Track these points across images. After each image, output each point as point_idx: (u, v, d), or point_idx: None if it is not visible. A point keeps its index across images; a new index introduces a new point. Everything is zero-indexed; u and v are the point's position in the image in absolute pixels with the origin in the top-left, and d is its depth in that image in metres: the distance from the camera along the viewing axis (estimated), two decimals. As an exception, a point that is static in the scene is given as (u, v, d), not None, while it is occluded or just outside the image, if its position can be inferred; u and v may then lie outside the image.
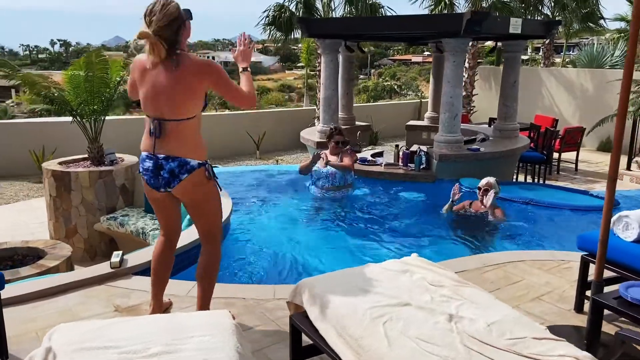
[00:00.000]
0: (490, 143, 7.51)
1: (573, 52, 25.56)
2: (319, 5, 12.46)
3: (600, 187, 9.12)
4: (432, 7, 14.40)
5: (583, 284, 3.22)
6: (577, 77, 13.53)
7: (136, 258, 3.90)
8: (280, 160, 11.63)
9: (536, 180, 8.66)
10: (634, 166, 9.86)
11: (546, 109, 13.62)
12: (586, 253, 3.23)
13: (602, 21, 15.53)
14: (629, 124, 9.71)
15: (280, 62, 74.13)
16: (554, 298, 3.45)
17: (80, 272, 3.73)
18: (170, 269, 3.19)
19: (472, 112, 14.54)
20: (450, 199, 5.48)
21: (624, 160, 11.36)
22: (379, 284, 2.49)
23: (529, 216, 5.64)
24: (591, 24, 15.25)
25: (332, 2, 12.37)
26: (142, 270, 3.82)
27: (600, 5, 14.55)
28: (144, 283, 3.61)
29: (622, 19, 19.93)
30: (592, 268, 3.22)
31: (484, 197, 5.28)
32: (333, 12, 12.35)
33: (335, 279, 2.60)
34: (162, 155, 2.76)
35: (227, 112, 17.63)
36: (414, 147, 7.38)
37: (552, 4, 14.60)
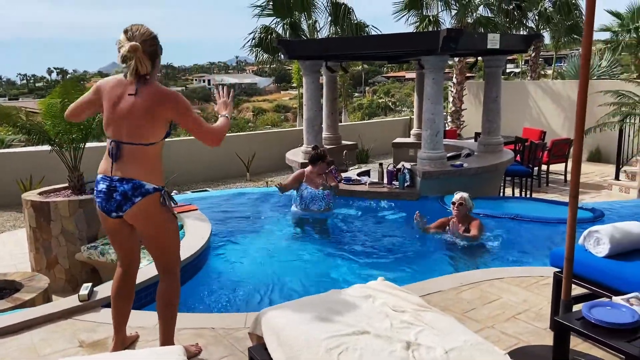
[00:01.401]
0: (475, 158, 7.48)
1: (563, 64, 25.72)
2: (304, 26, 12.54)
3: (590, 199, 9.08)
4: (418, 23, 14.53)
5: (557, 301, 3.15)
6: (564, 89, 13.60)
7: (107, 289, 3.81)
8: (270, 181, 11.58)
9: (522, 194, 8.62)
10: (622, 176, 9.84)
11: (534, 121, 13.65)
12: (558, 270, 3.17)
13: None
14: (615, 135, 9.72)
15: (275, 83, 74.60)
16: (530, 317, 3.38)
17: (47, 307, 3.65)
18: (131, 302, 3.09)
19: (462, 126, 14.56)
20: (418, 226, 5.46)
21: (612, 169, 11.38)
22: (339, 312, 2.43)
23: (511, 231, 5.57)
24: (576, 36, 15.36)
25: (318, 23, 12.48)
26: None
27: (584, 17, 14.63)
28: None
29: (607, 29, 20.13)
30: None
31: (459, 211, 5.23)
32: (318, 33, 12.44)
33: (295, 308, 2.53)
34: (117, 177, 2.70)
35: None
36: (398, 165, 7.36)
37: (537, 17, 14.72)
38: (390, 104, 42.81)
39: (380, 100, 42.55)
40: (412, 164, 7.11)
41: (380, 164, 7.26)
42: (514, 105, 13.56)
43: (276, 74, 76.50)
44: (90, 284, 3.82)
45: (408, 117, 15.85)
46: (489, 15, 14.41)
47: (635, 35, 19.76)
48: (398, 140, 9.29)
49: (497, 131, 7.93)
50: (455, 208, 5.26)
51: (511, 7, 14.25)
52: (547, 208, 6.41)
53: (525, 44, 7.67)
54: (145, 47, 2.62)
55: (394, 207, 6.52)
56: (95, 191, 2.81)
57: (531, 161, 8.57)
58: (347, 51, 6.97)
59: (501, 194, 8.28)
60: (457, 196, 5.28)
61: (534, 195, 8.88)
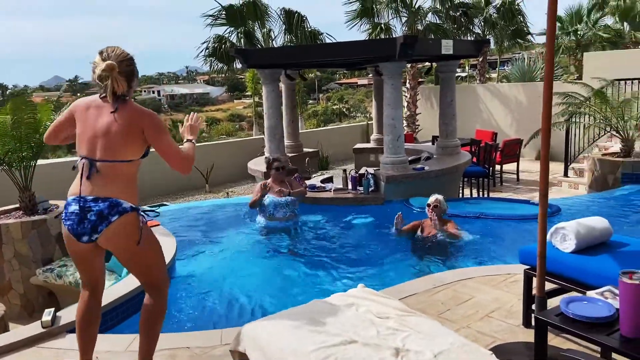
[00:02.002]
0: (435, 161, 7.63)
1: (507, 67, 26.69)
2: (259, 35, 12.50)
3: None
4: (370, 31, 14.75)
5: (528, 298, 3.24)
6: (511, 91, 14.08)
7: (70, 314, 3.65)
8: (231, 192, 11.44)
9: (480, 194, 8.85)
10: (570, 172, 10.25)
11: (485, 123, 14.05)
12: (528, 267, 3.25)
13: (530, 37, 16.28)
14: (562, 134, 10.11)
15: (228, 92, 73.98)
16: (503, 314, 3.45)
17: (8, 335, 3.46)
18: (98, 325, 2.97)
19: (417, 130, 14.83)
20: (394, 227, 5.51)
21: (561, 167, 11.85)
22: (323, 322, 2.41)
23: (477, 230, 5.68)
24: (520, 40, 15.95)
25: (272, 32, 12.45)
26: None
27: (527, 22, 15.27)
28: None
29: (545, 34, 21.05)
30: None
31: (434, 214, 5.31)
32: (273, 42, 12.42)
33: (278, 321, 2.50)
34: (91, 197, 2.59)
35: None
36: (362, 170, 7.41)
37: (482, 23, 15.21)
38: (344, 110, 43.28)
39: (334, 107, 42.94)
40: (375, 169, 7.17)
41: (344, 170, 7.30)
42: (465, 108, 13.92)
43: (229, 83, 75.93)
44: (52, 309, 3.64)
45: (365, 122, 16.02)
46: (438, 22, 14.78)
47: (574, 38, 20.78)
48: (359, 145, 9.38)
49: (453, 134, 8.12)
50: (430, 210, 5.34)
51: (458, 13, 14.67)
52: (508, 206, 6.58)
53: (476, 49, 7.91)
54: (121, 67, 2.62)
55: (360, 212, 6.55)
56: (64, 214, 2.68)
57: (487, 162, 8.81)
58: (307, 59, 6.98)
59: (460, 195, 8.46)
60: (432, 198, 5.37)
61: (491, 194, 9.13)
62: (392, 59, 6.48)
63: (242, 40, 12.07)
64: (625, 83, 9.24)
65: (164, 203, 10.43)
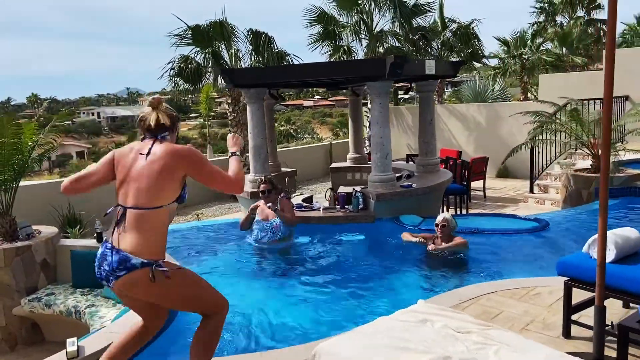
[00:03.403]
0: (416, 179, 7.75)
1: (457, 88, 27.76)
2: (225, 55, 12.39)
3: (512, 211, 9.75)
4: (331, 53, 14.96)
5: (569, 309, 3.32)
6: (469, 111, 14.61)
7: (93, 343, 3.42)
8: (200, 214, 11.15)
9: (458, 211, 9.05)
10: (535, 189, 10.69)
11: (446, 142, 14.48)
12: (567, 278, 3.34)
13: (484, 59, 17.03)
14: (520, 152, 10.52)
15: (171, 114, 72.44)
16: (539, 327, 3.51)
17: (32, 371, 3.18)
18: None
19: (364, 151, 15.07)
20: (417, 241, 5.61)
21: (521, 184, 12.36)
22: (406, 339, 2.36)
23: (476, 245, 5.77)
24: (475, 62, 16.64)
25: (240, 52, 12.38)
26: (102, 357, 3.35)
27: (481, 46, 15.97)
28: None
29: (495, 56, 22.13)
30: (575, 292, 3.35)
31: (442, 232, 5.38)
32: (240, 62, 12.35)
33: (355, 340, 2.43)
34: (111, 245, 2.53)
35: None
36: (345, 189, 7.42)
37: (440, 46, 15.78)
38: (291, 131, 43.56)
39: (282, 128, 43.08)
40: (362, 187, 7.20)
41: (331, 189, 7.29)
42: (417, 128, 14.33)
43: (172, 104, 74.53)
44: (75, 338, 3.40)
45: (329, 143, 16.12)
46: (397, 44, 15.20)
47: (519, 61, 21.91)
48: (335, 165, 9.40)
49: (433, 152, 8.30)
50: (439, 230, 5.41)
51: (417, 37, 15.15)
52: (497, 221, 6.76)
53: (454, 70, 8.17)
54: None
55: (353, 230, 6.54)
56: None
57: (464, 179, 9.05)
58: (297, 78, 6.97)
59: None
60: (440, 218, 5.45)
61: (464, 211, 9.36)
62: (381, 78, 6.58)
63: (210, 60, 11.92)
64: (588, 103, 9.77)
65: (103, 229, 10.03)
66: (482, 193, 11.28)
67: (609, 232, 3.28)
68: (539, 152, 10.46)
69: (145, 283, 2.48)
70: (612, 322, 2.97)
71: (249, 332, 4.07)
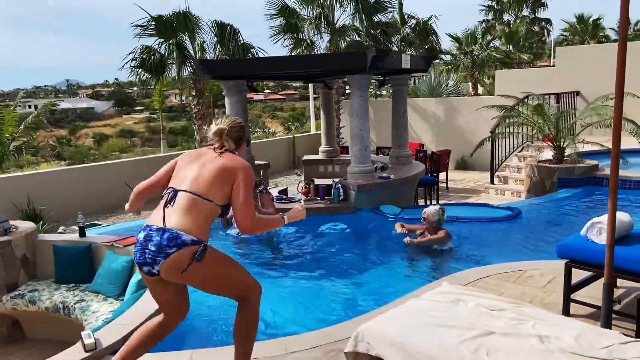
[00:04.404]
0: (392, 170, 7.94)
1: (414, 84, 28.40)
2: (189, 46, 12.18)
3: (473, 201, 10.14)
4: (292, 46, 14.98)
5: (569, 289, 3.55)
6: (428, 106, 15.02)
7: (107, 336, 3.36)
8: (166, 208, 10.93)
9: (428, 201, 9.33)
10: (496, 180, 11.14)
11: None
12: (568, 260, 3.57)
13: (442, 55, 17.51)
14: (486, 146, 10.94)
15: (115, 107, 70.18)
16: (539, 306, 3.71)
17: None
18: (146, 352, 2.82)
19: (341, 143, 15.25)
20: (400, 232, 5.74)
21: (480, 175, 12.86)
22: (444, 318, 2.49)
23: (456, 234, 6.01)
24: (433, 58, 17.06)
25: (206, 44, 12.19)
26: (119, 348, 3.30)
27: (439, 41, 16.41)
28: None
29: (447, 52, 22.79)
30: (575, 272, 3.59)
31: (427, 225, 5.57)
32: (206, 54, 12.16)
33: (397, 320, 2.53)
34: (156, 227, 2.49)
35: (101, 162, 16.20)
36: (323, 181, 7.52)
37: (399, 41, 16.09)
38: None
39: (233, 122, 42.63)
40: (342, 178, 7.32)
41: (312, 180, 7.36)
42: (386, 121, 14.61)
43: (115, 97, 72.08)
44: (90, 331, 3.33)
45: (291, 136, 16.14)
46: (358, 39, 15.39)
47: (470, 58, 22.65)
48: (308, 157, 9.46)
49: (406, 144, 8.52)
50: (426, 222, 5.61)
51: (378, 32, 15.39)
52: (473, 210, 7.05)
53: (426, 64, 8.40)
54: (231, 132, 2.75)
55: (336, 221, 6.64)
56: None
57: (435, 171, 9.33)
58: (278, 70, 6.98)
59: (415, 203, 8.85)
60: (424, 211, 5.64)
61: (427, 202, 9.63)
62: (362, 71, 6.70)
63: (174, 52, 11.68)
64: (545, 97, 10.27)
65: (96, 222, 9.75)
66: (444, 184, 11.65)
67: (606, 216, 3.53)
68: (498, 145, 10.90)
69: (184, 262, 2.47)
70: (619, 299, 3.22)
71: (221, 323, 4.10)
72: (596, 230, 3.50)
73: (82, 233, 5.70)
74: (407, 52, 16.09)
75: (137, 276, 4.53)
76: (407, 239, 5.61)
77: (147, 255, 2.46)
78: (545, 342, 2.24)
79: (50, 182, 10.46)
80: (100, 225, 9.16)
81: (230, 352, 3.22)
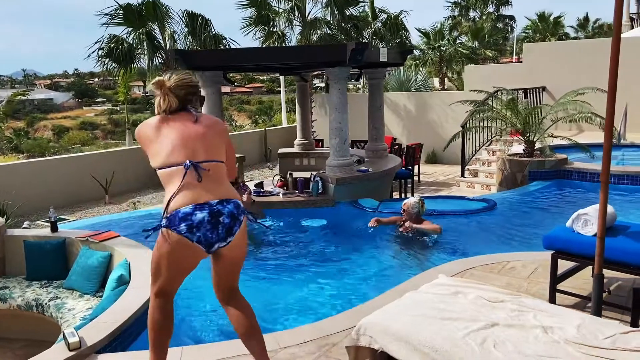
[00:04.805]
0: (369, 163, 7.95)
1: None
2: (159, 36, 11.89)
3: (445, 193, 10.28)
4: (264, 39, 14.83)
5: (555, 279, 3.62)
6: (401, 99, 15.13)
7: (91, 334, 3.23)
8: (137, 203, 10.67)
9: (403, 195, 9.40)
10: (466, 173, 11.32)
11: (379, 129, 14.89)
12: (554, 251, 3.64)
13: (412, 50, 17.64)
14: (458, 139, 11.08)
15: (75, 98, 68.12)
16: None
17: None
18: (170, 336, 2.72)
19: (314, 136, 15.20)
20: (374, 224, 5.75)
21: (450, 169, 13.06)
22: (446, 310, 2.49)
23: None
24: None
25: (177, 34, 11.92)
26: (105, 346, 3.20)
27: (409, 36, 16.54)
28: (117, 362, 3.05)
29: (416, 47, 22.99)
30: (561, 263, 3.67)
31: (410, 216, 5.59)
32: (176, 44, 11.89)
33: (399, 313, 2.51)
34: (215, 201, 2.43)
35: (66, 155, 15.67)
36: (301, 174, 7.47)
37: (371, 36, 16.14)
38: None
39: (199, 114, 42.07)
40: (321, 172, 7.28)
41: (290, 174, 7.29)
42: (360, 115, 14.66)
43: (75, 89, 69.96)
44: (73, 329, 3.19)
45: (263, 129, 15.99)
46: (330, 33, 15.34)
47: (438, 53, 22.94)
48: (283, 150, 9.38)
49: (382, 137, 8.54)
50: (405, 214, 5.63)
51: (349, 25, 15.38)
52: (450, 203, 7.13)
53: (402, 58, 8.43)
54: (174, 89, 2.57)
55: (316, 214, 6.62)
56: (185, 226, 2.37)
57: (410, 164, 9.40)
58: (257, 62, 6.87)
59: (391, 196, 8.90)
60: (408, 202, 5.65)
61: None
62: (341, 64, 6.67)
63: (144, 42, 11.38)
64: (510, 93, 10.47)
65: (63, 217, 9.43)
66: (416, 178, 11.77)
67: (591, 208, 3.61)
68: (468, 139, 11.07)
69: (245, 226, 2.58)
70: (608, 289, 3.29)
71: (215, 318, 4.04)
72: (582, 222, 3.57)
73: (54, 228, 5.49)
74: (380, 47, 16.17)
75: (117, 272, 4.39)
76: (373, 221, 5.66)
77: (220, 231, 2.41)
78: (549, 333, 2.26)
79: (9, 176, 10.07)
80: (67, 220, 8.88)
81: (218, 349, 3.17)
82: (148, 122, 2.62)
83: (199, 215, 2.37)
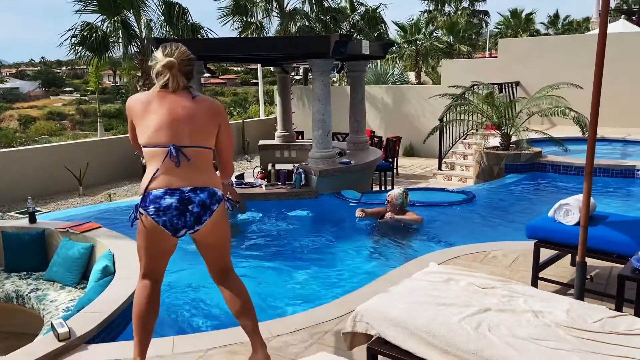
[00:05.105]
0: (350, 156, 8.00)
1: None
2: (134, 24, 11.67)
3: (422, 185, 10.42)
4: (242, 29, 14.72)
5: (537, 267, 3.73)
6: (379, 93, 15.21)
7: (80, 324, 3.20)
8: (112, 195, 10.51)
9: (383, 187, 9.49)
10: (443, 166, 11.48)
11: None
12: (537, 240, 3.74)
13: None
14: (424, 133, 11.17)
15: (42, 87, 66.33)
16: (509, 285, 3.90)
17: (18, 355, 2.91)
18: (155, 321, 2.73)
19: (292, 129, 15.18)
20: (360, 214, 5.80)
21: (427, 162, 13.22)
22: (440, 297, 2.54)
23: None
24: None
25: (153, 22, 11.73)
26: (94, 337, 3.17)
27: (387, 29, 16.63)
28: (108, 350, 3.02)
29: (393, 41, 23.11)
30: (544, 251, 3.78)
31: (394, 207, 5.66)
32: (152, 33, 11.70)
33: (395, 300, 2.56)
34: (188, 188, 2.44)
35: (37, 145, 15.27)
36: (283, 166, 7.47)
37: (349, 28, 16.17)
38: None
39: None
40: (303, 163, 7.30)
41: (273, 165, 7.29)
42: (339, 108, 14.70)
43: (42, 78, 68.14)
44: (61, 319, 3.15)
45: (241, 121, 15.87)
46: (309, 24, 15.33)
47: (414, 47, 23.10)
48: (263, 142, 9.34)
49: (363, 130, 8.60)
50: (390, 205, 5.69)
51: (327, 17, 15.38)
52: (430, 194, 7.24)
53: (384, 51, 8.49)
54: (181, 66, 2.54)
55: (299, 206, 6.64)
56: (153, 208, 2.43)
57: (390, 157, 9.48)
58: (239, 52, 6.82)
59: (372, 188, 8.96)
60: (392, 193, 5.71)
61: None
62: (325, 56, 6.68)
63: (119, 29, 11.16)
64: (488, 87, 10.64)
65: (39, 210, 9.23)
66: (395, 170, 11.88)
67: (572, 199, 3.73)
68: (446, 132, 11.23)
69: (224, 215, 2.59)
70: (590, 276, 3.41)
71: (200, 309, 4.05)
72: (563, 212, 3.68)
73: (32, 219, 5.38)
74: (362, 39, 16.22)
75: (101, 263, 4.33)
76: (388, 215, 5.71)
77: (187, 218, 2.45)
78: (540, 317, 2.34)
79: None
80: (40, 211, 8.70)
81: (209, 338, 3.18)
82: (138, 97, 2.60)
83: (168, 200, 2.42)
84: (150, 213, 2.43)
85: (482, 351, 2.14)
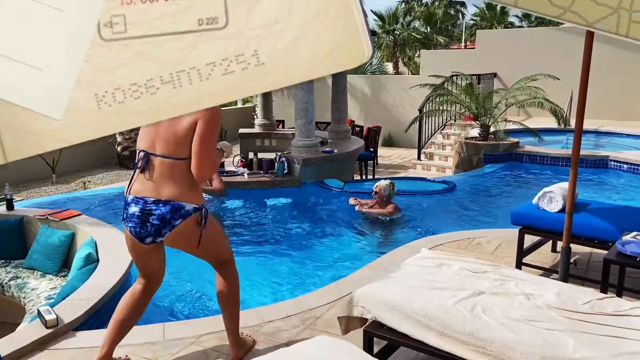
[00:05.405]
0: (333, 145, 8.02)
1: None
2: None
3: (402, 175, 10.51)
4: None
5: (521, 253, 3.81)
6: (359, 83, 15.24)
7: (67, 312, 3.15)
8: (87, 183, 10.31)
9: (364, 176, 9.53)
10: (422, 156, 11.59)
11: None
12: (521, 226, 3.82)
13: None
14: (404, 124, 11.26)
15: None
16: (493, 270, 3.97)
17: (8, 342, 2.85)
18: (137, 321, 2.73)
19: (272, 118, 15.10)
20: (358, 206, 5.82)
21: (406, 152, 13.34)
22: (434, 281, 2.58)
23: (401, 206, 6.22)
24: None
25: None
26: (81, 324, 3.13)
27: (367, 19, 16.57)
28: (97, 337, 2.97)
29: (374, 31, 23.16)
30: (527, 237, 3.86)
31: (377, 198, 5.69)
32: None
33: (391, 284, 2.59)
34: (152, 199, 2.37)
35: None
36: (266, 155, 7.46)
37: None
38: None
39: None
40: (286, 152, 7.28)
41: (256, 154, 7.26)
42: (319, 97, 14.66)
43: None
44: (48, 306, 3.10)
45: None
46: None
47: (392, 37, 23.18)
48: (244, 130, 9.28)
49: (345, 119, 8.62)
50: (376, 196, 5.71)
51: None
52: (412, 184, 7.31)
53: (365, 40, 8.48)
54: None
55: (282, 194, 6.63)
56: (124, 214, 2.44)
57: (371, 146, 9.53)
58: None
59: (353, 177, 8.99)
60: (379, 184, 5.74)
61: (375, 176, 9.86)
62: (308, 43, 6.64)
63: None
64: (468, 78, 10.77)
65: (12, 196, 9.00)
66: (375, 160, 11.95)
67: (556, 187, 3.81)
68: (425, 123, 11.32)
69: (195, 229, 2.45)
70: (574, 261, 3.50)
71: (198, 295, 4.03)
72: (547, 199, 3.77)
73: (10, 206, 5.26)
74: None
75: (84, 251, 4.26)
76: (357, 207, 5.76)
77: (149, 229, 2.39)
78: (532, 300, 2.40)
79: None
80: (14, 199, 8.49)
81: (200, 325, 3.17)
82: None
83: (133, 208, 2.40)
84: (122, 218, 2.47)
85: (478, 332, 2.18)
